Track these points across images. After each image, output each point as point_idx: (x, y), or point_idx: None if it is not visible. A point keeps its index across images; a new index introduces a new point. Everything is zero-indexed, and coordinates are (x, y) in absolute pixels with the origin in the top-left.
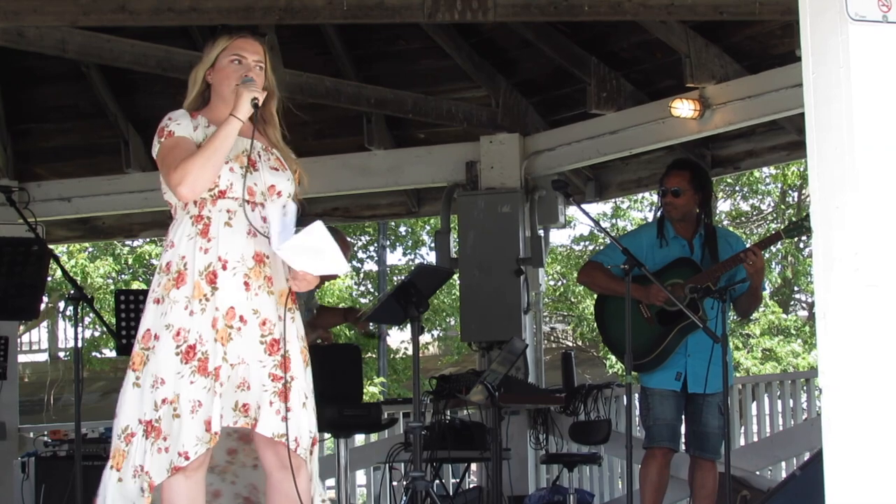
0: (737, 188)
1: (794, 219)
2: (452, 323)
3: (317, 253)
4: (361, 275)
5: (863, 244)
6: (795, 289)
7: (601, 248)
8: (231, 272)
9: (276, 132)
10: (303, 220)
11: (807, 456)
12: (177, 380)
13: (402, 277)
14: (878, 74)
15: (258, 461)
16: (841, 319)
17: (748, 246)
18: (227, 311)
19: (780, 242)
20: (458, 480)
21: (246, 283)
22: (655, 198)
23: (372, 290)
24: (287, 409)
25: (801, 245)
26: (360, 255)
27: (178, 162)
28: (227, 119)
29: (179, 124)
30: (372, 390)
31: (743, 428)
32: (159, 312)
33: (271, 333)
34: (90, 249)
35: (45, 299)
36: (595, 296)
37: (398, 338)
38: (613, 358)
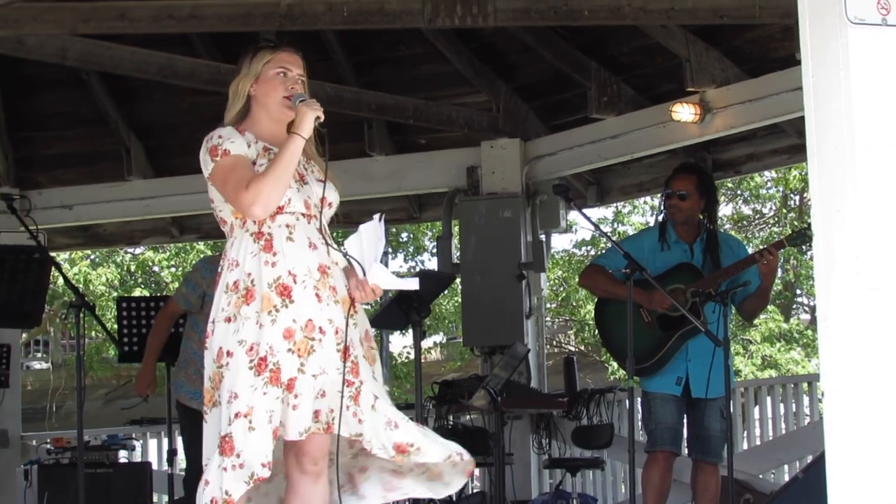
0: (738, 192)
1: (797, 227)
2: (455, 329)
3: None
4: None
5: (864, 246)
6: (798, 292)
7: (603, 251)
8: (302, 285)
9: (311, 145)
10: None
11: (809, 459)
12: (251, 393)
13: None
14: (878, 77)
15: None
16: (842, 321)
17: (752, 251)
18: (305, 324)
19: (783, 250)
20: (460, 489)
21: (317, 295)
22: (656, 202)
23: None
24: (361, 411)
25: (804, 249)
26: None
27: (245, 182)
28: (291, 138)
29: (234, 142)
30: None
31: (746, 433)
32: (231, 330)
33: (343, 341)
34: (92, 257)
35: (47, 307)
36: (596, 299)
37: (400, 343)
38: (615, 363)
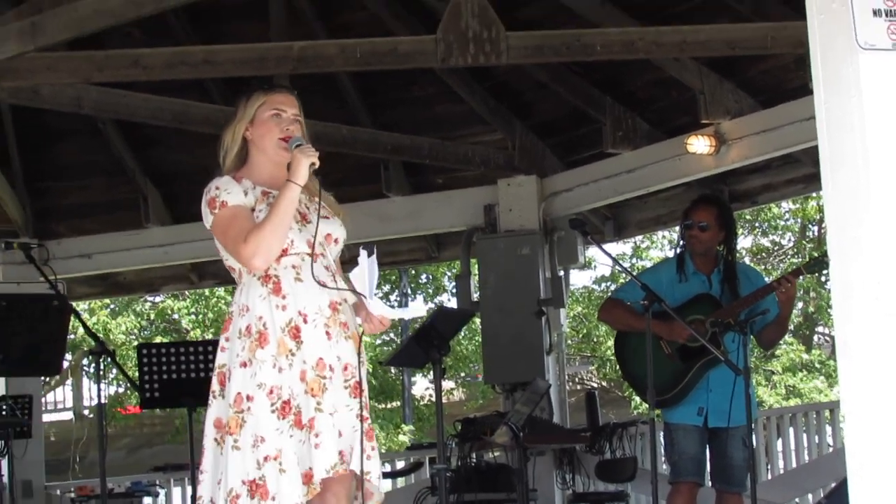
0: (756, 224)
1: (814, 254)
2: (476, 368)
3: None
4: None
5: (881, 272)
6: (818, 323)
7: (622, 285)
8: (312, 325)
9: (314, 183)
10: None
11: (833, 486)
12: (277, 436)
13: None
14: (890, 101)
15: None
16: (862, 348)
17: (769, 280)
18: (316, 363)
19: (801, 278)
20: None
21: (327, 333)
22: (674, 236)
23: (394, 337)
24: (372, 449)
25: (824, 279)
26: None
27: (244, 234)
28: (286, 186)
29: (230, 192)
30: (401, 439)
31: (769, 465)
32: (248, 374)
33: (354, 377)
34: (111, 306)
35: (69, 356)
36: (615, 333)
37: (422, 385)
38: (637, 398)
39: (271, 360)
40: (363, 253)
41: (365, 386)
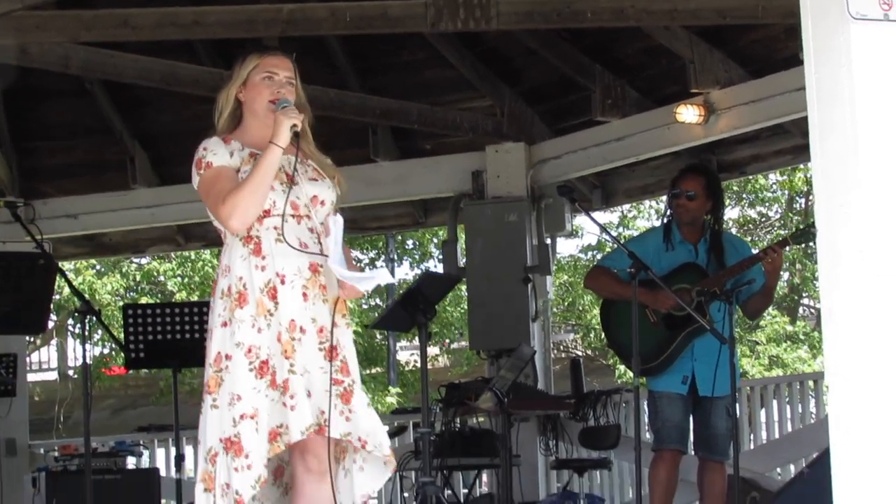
0: (743, 195)
1: (801, 225)
2: (461, 335)
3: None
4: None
5: (868, 241)
6: (804, 295)
7: (608, 253)
8: (290, 286)
9: (309, 144)
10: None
11: (815, 456)
12: (254, 395)
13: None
14: (881, 72)
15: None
16: (847, 316)
17: (756, 251)
18: (289, 324)
19: (787, 248)
20: (468, 490)
21: (304, 294)
22: (662, 206)
23: (380, 303)
24: (350, 411)
25: (810, 251)
26: (368, 270)
27: (224, 195)
28: (268, 148)
29: (216, 154)
30: (389, 401)
31: (752, 434)
32: (228, 333)
33: (328, 340)
34: (97, 267)
35: (54, 317)
36: (601, 301)
37: (407, 351)
38: (623, 367)
39: (250, 320)
40: (332, 218)
41: (347, 352)
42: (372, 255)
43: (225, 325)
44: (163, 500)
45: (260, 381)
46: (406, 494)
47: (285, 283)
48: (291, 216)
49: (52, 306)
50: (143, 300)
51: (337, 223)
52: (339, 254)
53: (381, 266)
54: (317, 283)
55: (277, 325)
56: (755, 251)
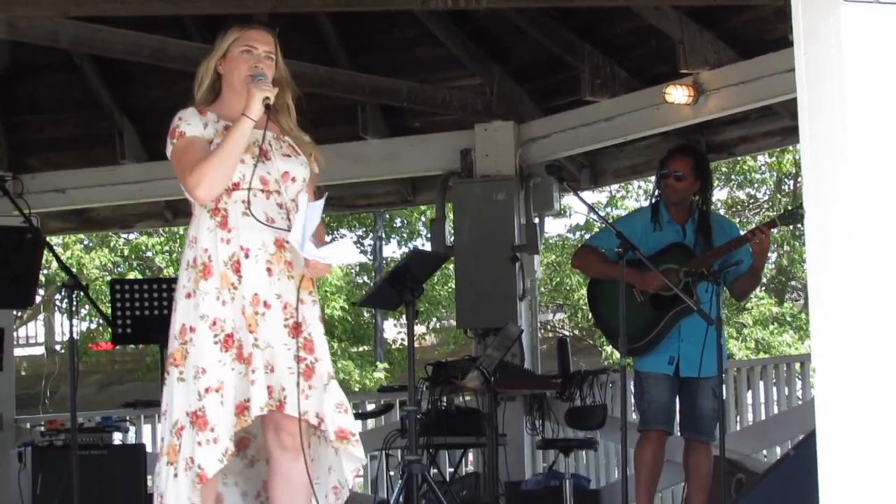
0: (732, 176)
1: (789, 206)
2: (448, 314)
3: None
4: (358, 267)
5: (856, 222)
6: (792, 277)
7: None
8: (254, 260)
9: (289, 120)
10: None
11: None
12: (219, 368)
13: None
14: (870, 54)
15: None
16: (834, 297)
17: (743, 231)
18: (252, 298)
19: (775, 230)
20: (453, 469)
21: (268, 269)
22: (650, 187)
23: (368, 281)
24: (309, 388)
25: (798, 233)
26: (356, 247)
27: (192, 165)
28: (239, 120)
29: (189, 124)
30: (376, 376)
31: (738, 416)
32: (192, 305)
33: (293, 317)
34: (85, 241)
35: (41, 291)
36: (588, 280)
37: (395, 329)
38: (609, 348)
39: (214, 293)
40: (303, 197)
41: (313, 329)
42: (360, 232)
43: (189, 296)
44: (149, 476)
45: (225, 355)
46: (392, 473)
47: (249, 257)
48: (260, 191)
49: (39, 281)
50: (131, 275)
51: (315, 208)
52: (302, 233)
53: (346, 239)
54: (282, 258)
55: (241, 298)
56: (743, 232)
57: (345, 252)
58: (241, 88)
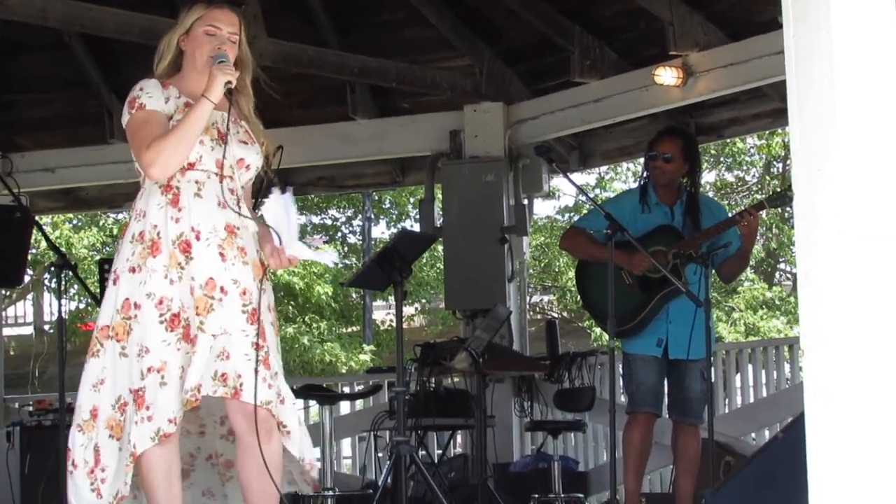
0: (721, 158)
1: (777, 189)
2: (437, 295)
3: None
4: (346, 248)
5: (845, 205)
6: (780, 260)
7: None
8: (205, 243)
9: (248, 103)
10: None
11: (790, 420)
12: (163, 347)
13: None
14: (860, 36)
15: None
16: (823, 280)
17: (732, 214)
18: (206, 282)
19: (764, 212)
20: (442, 451)
21: (221, 254)
22: (639, 169)
23: (356, 263)
24: (271, 377)
25: (787, 216)
26: (344, 229)
27: (149, 141)
28: (199, 101)
29: (151, 96)
30: (363, 358)
31: (727, 399)
32: (137, 281)
33: (251, 303)
34: (74, 221)
35: (30, 271)
36: (576, 262)
37: (383, 310)
38: (598, 330)
39: (162, 271)
40: (276, 190)
41: (267, 316)
42: (349, 213)
43: (133, 270)
44: None
45: (170, 334)
46: (380, 454)
47: (200, 240)
48: (214, 174)
49: (28, 260)
50: None
51: (288, 202)
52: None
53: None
54: (234, 244)
55: (189, 279)
56: (731, 214)
57: (326, 256)
58: (203, 68)
